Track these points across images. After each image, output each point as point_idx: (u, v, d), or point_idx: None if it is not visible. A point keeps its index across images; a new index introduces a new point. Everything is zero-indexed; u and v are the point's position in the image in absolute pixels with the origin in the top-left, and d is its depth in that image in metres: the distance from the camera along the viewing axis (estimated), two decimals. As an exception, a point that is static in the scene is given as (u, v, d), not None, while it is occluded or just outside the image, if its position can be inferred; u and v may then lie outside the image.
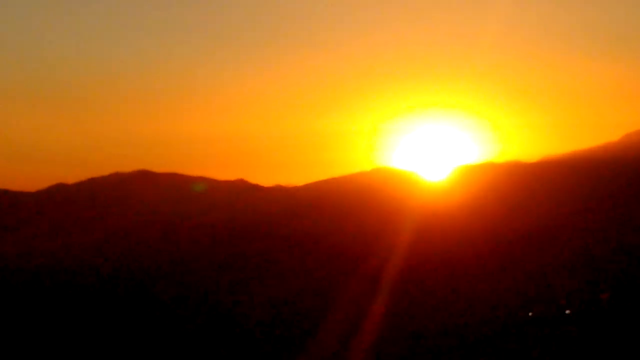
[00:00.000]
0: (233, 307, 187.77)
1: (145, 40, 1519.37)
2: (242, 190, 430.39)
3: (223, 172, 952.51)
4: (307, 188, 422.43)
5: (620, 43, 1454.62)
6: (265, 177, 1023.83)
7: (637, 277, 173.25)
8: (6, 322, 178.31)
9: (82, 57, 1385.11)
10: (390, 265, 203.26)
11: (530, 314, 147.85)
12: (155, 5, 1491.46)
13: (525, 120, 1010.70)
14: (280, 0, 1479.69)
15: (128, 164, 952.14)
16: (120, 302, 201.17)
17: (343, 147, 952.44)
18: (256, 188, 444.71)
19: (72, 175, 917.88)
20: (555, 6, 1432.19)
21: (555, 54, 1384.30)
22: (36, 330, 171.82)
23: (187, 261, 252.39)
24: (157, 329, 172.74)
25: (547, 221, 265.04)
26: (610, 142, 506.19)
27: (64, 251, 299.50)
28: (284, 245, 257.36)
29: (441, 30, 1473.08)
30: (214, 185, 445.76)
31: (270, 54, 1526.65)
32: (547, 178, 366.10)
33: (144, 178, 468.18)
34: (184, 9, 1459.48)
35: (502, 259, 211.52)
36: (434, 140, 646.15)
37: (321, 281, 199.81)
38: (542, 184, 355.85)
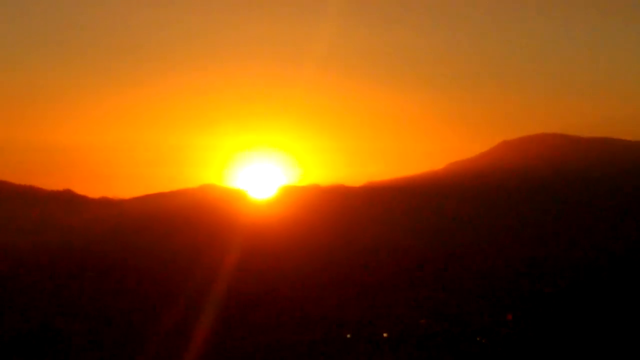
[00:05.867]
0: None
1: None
2: (67, 202, 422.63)
3: (50, 181, 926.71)
4: (134, 201, 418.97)
5: (447, 75, 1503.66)
6: (93, 188, 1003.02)
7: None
8: None
9: None
10: (215, 283, 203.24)
11: (349, 335, 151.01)
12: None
13: (349, 147, 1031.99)
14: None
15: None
16: None
17: (175, 162, 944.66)
18: (82, 200, 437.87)
19: None
20: (376, 36, 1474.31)
21: (382, 87, 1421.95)
22: None
23: None
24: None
25: (370, 242, 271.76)
26: (434, 170, 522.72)
27: None
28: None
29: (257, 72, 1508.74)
30: (38, 195, 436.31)
31: (117, 62, 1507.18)
32: (370, 201, 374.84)
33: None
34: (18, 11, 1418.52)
35: (330, 277, 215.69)
36: (260, 164, 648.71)
37: (143, 302, 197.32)
38: (366, 206, 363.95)
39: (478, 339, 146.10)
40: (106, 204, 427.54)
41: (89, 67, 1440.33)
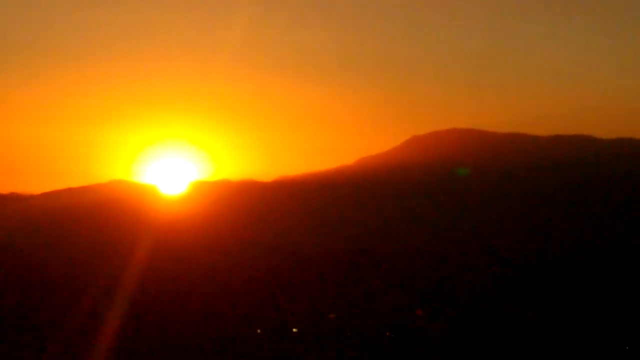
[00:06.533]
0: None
1: None
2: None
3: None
4: (43, 197, 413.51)
5: (357, 70, 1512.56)
6: (2, 184, 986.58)
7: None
8: None
9: None
10: (124, 279, 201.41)
11: (259, 331, 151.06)
12: None
13: (259, 143, 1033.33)
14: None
15: None
16: None
17: (84, 157, 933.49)
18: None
19: None
20: (287, 32, 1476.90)
21: (293, 83, 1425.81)
22: None
23: None
24: None
25: (281, 238, 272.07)
26: (345, 165, 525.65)
27: None
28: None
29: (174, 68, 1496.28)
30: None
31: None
32: (281, 197, 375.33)
33: None
34: None
35: (239, 273, 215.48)
36: (171, 159, 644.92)
37: (49, 299, 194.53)
38: (277, 202, 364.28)
39: (388, 334, 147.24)
40: (16, 199, 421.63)
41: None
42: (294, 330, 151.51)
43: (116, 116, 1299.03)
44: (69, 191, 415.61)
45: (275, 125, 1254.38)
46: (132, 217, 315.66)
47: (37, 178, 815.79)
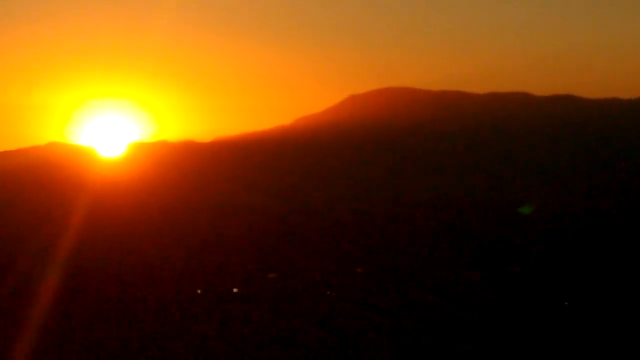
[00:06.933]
0: None
1: None
2: None
3: None
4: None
5: (294, 30, 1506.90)
6: None
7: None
8: None
9: None
10: (62, 241, 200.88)
11: (199, 291, 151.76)
12: None
13: (197, 104, 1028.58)
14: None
15: None
16: None
17: (21, 120, 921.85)
18: None
19: None
20: None
21: (229, 43, 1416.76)
22: None
23: None
24: None
25: (219, 198, 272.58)
26: (283, 125, 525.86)
27: None
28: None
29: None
30: None
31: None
32: (220, 157, 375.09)
33: None
34: None
35: (179, 233, 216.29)
36: (108, 120, 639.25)
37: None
38: (215, 162, 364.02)
39: (328, 292, 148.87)
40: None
41: None
42: (235, 290, 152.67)
43: (48, 76, 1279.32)
44: (5, 154, 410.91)
45: (212, 85, 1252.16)
46: (70, 180, 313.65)
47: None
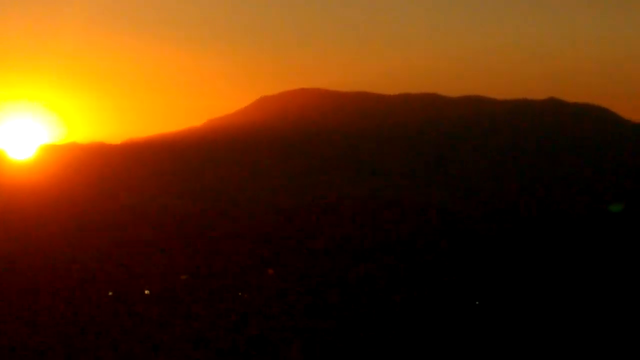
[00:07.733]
0: None
1: None
2: None
3: None
4: None
5: (205, 31, 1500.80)
6: None
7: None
8: None
9: None
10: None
11: (110, 293, 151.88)
12: None
13: (108, 105, 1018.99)
14: None
15: None
16: None
17: None
18: None
19: None
20: None
21: (141, 44, 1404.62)
22: None
23: None
24: None
25: (131, 200, 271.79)
26: (194, 126, 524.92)
27: None
28: None
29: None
30: None
31: None
32: (130, 159, 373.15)
33: None
34: None
35: (89, 235, 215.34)
36: (17, 122, 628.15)
37: None
38: (126, 164, 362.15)
39: (240, 294, 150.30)
40: None
41: None
42: (147, 292, 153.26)
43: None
44: None
45: (123, 86, 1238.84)
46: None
47: None
